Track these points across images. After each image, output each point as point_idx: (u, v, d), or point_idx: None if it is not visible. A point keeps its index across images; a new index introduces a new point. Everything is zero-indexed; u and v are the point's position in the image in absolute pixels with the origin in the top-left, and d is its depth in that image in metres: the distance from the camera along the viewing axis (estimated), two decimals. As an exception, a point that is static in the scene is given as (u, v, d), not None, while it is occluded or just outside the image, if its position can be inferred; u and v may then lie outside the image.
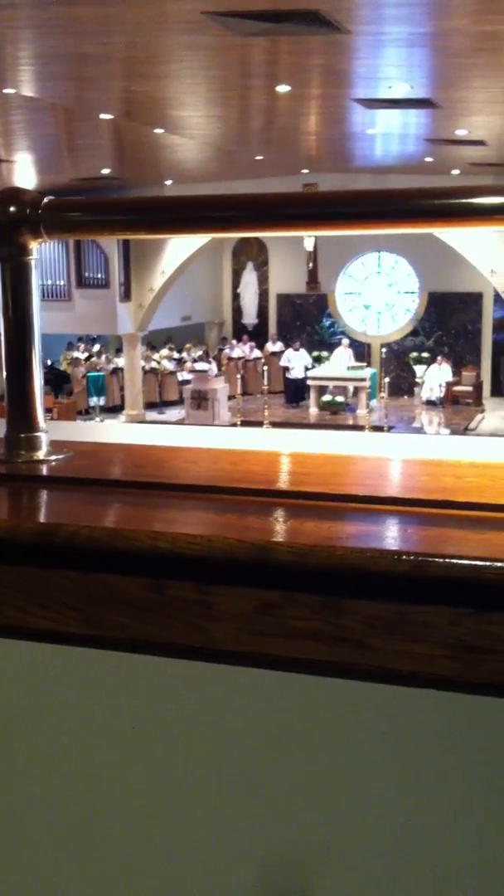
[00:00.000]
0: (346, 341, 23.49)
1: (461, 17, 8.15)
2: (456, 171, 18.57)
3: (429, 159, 17.37)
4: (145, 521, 1.16)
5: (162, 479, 1.32)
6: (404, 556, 1.01)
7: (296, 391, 22.72)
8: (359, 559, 1.02)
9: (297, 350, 23.17)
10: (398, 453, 1.56)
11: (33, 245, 1.38)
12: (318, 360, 23.64)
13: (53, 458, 1.42)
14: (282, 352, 24.68)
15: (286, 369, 22.99)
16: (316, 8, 7.77)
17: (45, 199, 1.37)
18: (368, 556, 1.02)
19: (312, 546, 1.04)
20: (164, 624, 1.10)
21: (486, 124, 13.66)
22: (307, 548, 1.04)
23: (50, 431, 1.45)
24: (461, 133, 14.19)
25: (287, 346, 24.45)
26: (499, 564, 0.98)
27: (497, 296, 21.92)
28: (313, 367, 23.02)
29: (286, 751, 1.11)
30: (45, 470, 1.39)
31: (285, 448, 1.54)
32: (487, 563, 0.98)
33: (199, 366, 22.68)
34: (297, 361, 22.98)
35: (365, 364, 23.07)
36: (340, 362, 22.75)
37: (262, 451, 1.50)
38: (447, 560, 0.99)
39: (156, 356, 24.04)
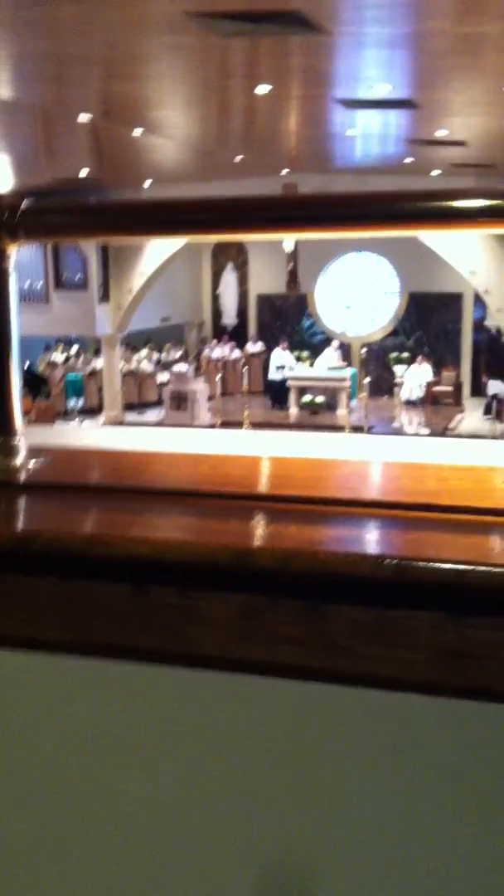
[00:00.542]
0: (335, 342, 23.45)
1: (442, 18, 8.17)
2: (437, 172, 18.62)
3: (410, 160, 17.41)
4: (125, 526, 1.15)
5: (141, 483, 1.31)
6: (386, 561, 1.00)
7: (283, 392, 22.69)
8: (341, 564, 1.01)
9: (284, 350, 23.18)
10: (380, 456, 1.55)
11: (12, 249, 1.37)
12: (298, 360, 23.66)
13: (31, 463, 1.41)
14: (263, 352, 24.67)
15: (279, 368, 22.88)
16: (296, 8, 7.77)
17: (24, 203, 1.36)
18: (350, 560, 1.01)
19: (294, 551, 1.04)
20: (146, 630, 1.09)
21: (466, 125, 13.71)
22: (289, 552, 1.03)
23: (27, 436, 1.44)
24: (442, 134, 14.24)
25: (268, 346, 24.44)
26: (481, 568, 0.97)
27: (477, 296, 22.00)
28: (293, 367, 23.05)
29: (270, 756, 1.10)
30: (22, 476, 1.38)
31: (267, 451, 1.53)
32: (470, 567, 0.98)
33: (177, 367, 22.63)
34: (286, 361, 22.98)
35: (345, 364, 23.11)
36: (329, 363, 22.73)
37: (242, 454, 1.49)
38: (429, 564, 0.99)
39: (135, 358, 23.98)
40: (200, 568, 1.06)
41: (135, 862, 1.17)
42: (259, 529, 1.14)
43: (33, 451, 1.44)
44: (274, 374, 22.94)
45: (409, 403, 22.54)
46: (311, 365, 23.45)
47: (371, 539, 1.09)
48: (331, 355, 22.80)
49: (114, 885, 1.19)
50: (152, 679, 1.12)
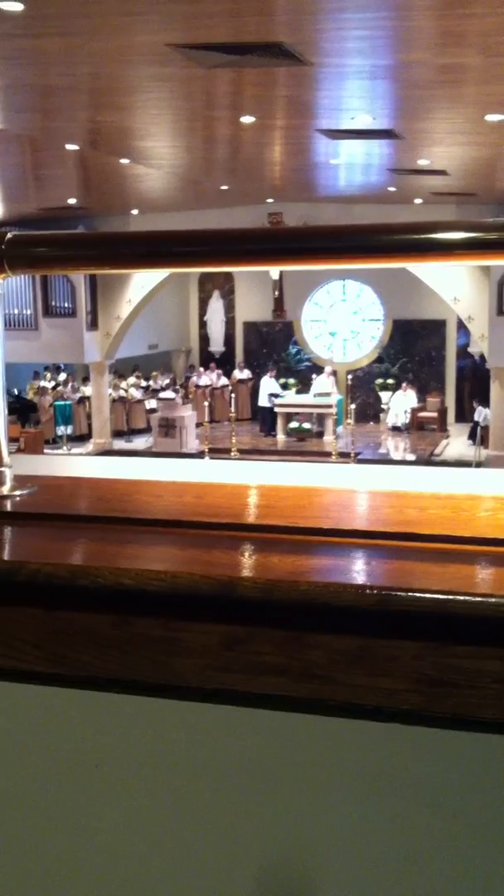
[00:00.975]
0: (328, 369, 23.45)
1: (422, 50, 8.29)
2: (419, 201, 18.81)
3: (392, 189, 17.58)
4: (110, 557, 1.15)
5: (126, 513, 1.32)
6: (368, 591, 1.01)
7: (273, 418, 22.72)
8: (323, 594, 1.02)
9: (271, 378, 23.25)
10: (362, 484, 1.56)
11: None
12: (284, 387, 23.72)
13: (17, 493, 1.41)
14: (250, 379, 24.72)
15: (271, 396, 22.91)
16: (279, 40, 7.87)
17: (9, 235, 1.37)
18: (332, 590, 1.02)
19: (277, 581, 1.04)
20: (129, 661, 1.10)
21: (447, 154, 13.86)
22: (271, 583, 1.04)
23: (14, 466, 1.45)
24: (423, 163, 14.39)
25: (255, 373, 24.50)
26: (462, 598, 0.98)
27: (460, 323, 22.16)
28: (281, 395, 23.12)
29: (253, 787, 1.10)
30: (8, 506, 1.38)
31: (251, 480, 1.54)
32: (451, 597, 0.98)
33: (165, 394, 22.65)
34: (277, 389, 23.04)
35: (331, 391, 23.19)
36: (323, 389, 22.73)
37: (226, 483, 1.50)
38: (411, 594, 1.00)
39: (123, 384, 24.01)
40: (184, 598, 1.06)
41: (119, 890, 1.17)
42: (242, 559, 1.14)
43: (20, 481, 1.45)
44: (264, 402, 22.98)
45: (395, 429, 22.61)
46: (298, 392, 23.50)
47: (353, 569, 1.09)
48: (324, 382, 22.83)
49: None
50: (134, 709, 1.12)
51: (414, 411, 22.91)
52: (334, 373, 23.56)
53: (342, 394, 23.01)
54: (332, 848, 1.08)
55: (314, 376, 23.24)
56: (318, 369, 24.36)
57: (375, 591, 1.01)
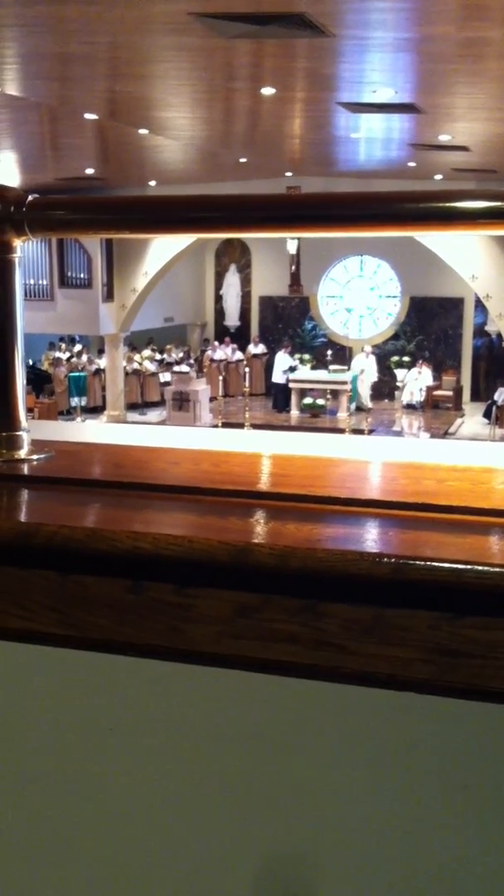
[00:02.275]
0: (367, 348, 23.09)
1: (445, 23, 8.18)
2: (439, 177, 18.64)
3: (412, 164, 17.43)
4: (125, 521, 1.16)
5: (142, 479, 1.32)
6: (384, 560, 1.01)
7: (287, 395, 22.67)
8: (339, 561, 1.02)
9: (286, 353, 23.17)
10: (379, 456, 1.56)
11: (16, 243, 1.37)
12: (301, 362, 23.66)
13: (34, 457, 1.42)
14: (265, 354, 24.66)
15: (284, 372, 22.83)
16: (301, 11, 7.78)
17: (30, 197, 1.36)
18: (349, 558, 1.02)
19: (292, 548, 1.04)
20: (143, 625, 1.10)
21: (469, 130, 13.72)
22: (287, 550, 1.04)
23: (31, 431, 1.45)
24: (444, 138, 14.25)
25: (270, 348, 24.44)
26: (479, 568, 0.98)
27: (478, 301, 22.02)
28: (294, 369, 23.08)
29: (265, 753, 1.11)
30: (25, 469, 1.38)
31: (267, 449, 1.54)
32: (467, 567, 0.98)
33: (179, 368, 22.65)
34: (289, 364, 22.97)
35: (346, 367, 23.14)
36: (365, 371, 22.53)
37: (243, 452, 1.50)
38: (427, 563, 1.00)
39: (137, 357, 24.01)
40: (199, 564, 1.06)
41: (131, 856, 1.18)
42: (258, 527, 1.14)
43: (37, 445, 1.45)
44: (278, 378, 22.92)
45: (410, 407, 22.54)
46: (312, 368, 23.44)
47: (369, 538, 1.09)
48: (363, 361, 22.59)
49: (109, 879, 1.19)
50: (148, 674, 1.13)
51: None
52: (373, 353, 23.34)
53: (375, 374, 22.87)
54: (342, 816, 1.09)
55: (355, 357, 22.92)
56: (333, 345, 24.29)
57: (391, 560, 1.00)
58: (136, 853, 1.18)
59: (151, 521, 1.17)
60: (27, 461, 1.41)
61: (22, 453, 1.41)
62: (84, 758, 1.18)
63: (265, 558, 1.04)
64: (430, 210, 1.23)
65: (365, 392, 22.27)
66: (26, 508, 1.28)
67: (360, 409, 21.33)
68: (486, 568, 0.98)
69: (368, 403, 21.95)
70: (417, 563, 1.00)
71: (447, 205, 1.21)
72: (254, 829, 1.13)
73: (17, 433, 1.42)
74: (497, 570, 0.98)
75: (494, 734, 1.03)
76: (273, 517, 1.17)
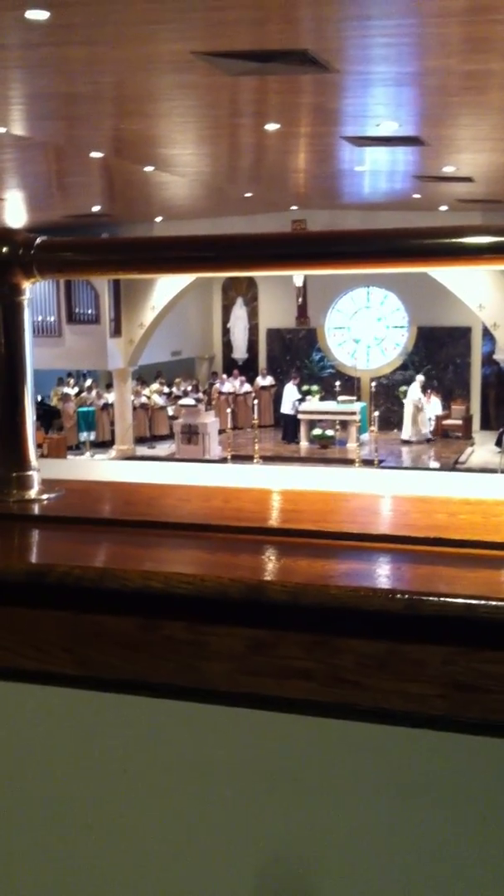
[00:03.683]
0: (420, 378, 22.96)
1: (447, 56, 8.28)
2: (444, 208, 18.76)
3: (417, 196, 17.55)
4: (137, 560, 1.15)
5: (153, 517, 1.32)
6: (398, 595, 1.00)
7: (297, 426, 22.69)
8: (352, 598, 1.02)
9: (295, 385, 23.23)
10: (389, 490, 1.56)
11: (26, 285, 1.38)
12: (308, 393, 23.71)
13: (45, 497, 1.42)
14: (273, 386, 24.72)
15: (295, 402, 22.85)
16: (304, 48, 7.88)
17: (38, 240, 1.38)
18: (362, 594, 1.01)
19: (305, 585, 1.04)
20: (156, 664, 1.10)
21: (473, 161, 13.83)
22: (300, 587, 1.04)
23: (41, 469, 1.45)
24: (449, 170, 14.36)
25: (278, 380, 24.51)
26: (493, 603, 0.97)
27: (486, 330, 22.07)
28: (302, 400, 23.12)
29: (280, 792, 1.10)
30: (36, 509, 1.38)
31: (277, 485, 1.54)
32: (481, 602, 0.98)
33: (187, 400, 22.71)
34: (297, 396, 23.02)
35: (354, 398, 23.16)
36: (417, 401, 22.51)
37: (253, 488, 1.50)
38: (441, 598, 0.99)
39: (146, 391, 24.09)
40: (212, 602, 1.06)
41: (146, 894, 1.17)
42: (270, 563, 1.14)
43: (47, 485, 1.45)
44: (287, 409, 22.95)
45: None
46: (321, 399, 23.47)
47: (382, 573, 1.09)
48: (416, 390, 22.58)
49: None
50: (162, 714, 1.12)
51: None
52: (346, 382, 23.29)
53: (365, 401, 22.91)
54: (359, 855, 1.08)
55: (430, 392, 22.76)
56: (341, 376, 24.33)
57: (405, 596, 1.00)
58: (150, 891, 1.16)
59: (163, 560, 1.17)
60: (38, 501, 1.41)
61: (32, 493, 1.42)
62: (98, 798, 1.18)
63: (278, 595, 1.04)
64: (436, 246, 1.24)
65: (424, 419, 22.27)
66: (38, 548, 1.28)
67: (407, 442, 21.44)
68: (500, 602, 0.97)
69: (427, 432, 21.96)
70: (431, 598, 1.00)
71: (453, 241, 1.22)
72: (270, 869, 1.12)
73: (28, 473, 1.42)
74: None
75: None
76: (285, 553, 1.16)
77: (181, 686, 1.09)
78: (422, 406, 22.37)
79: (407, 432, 22.34)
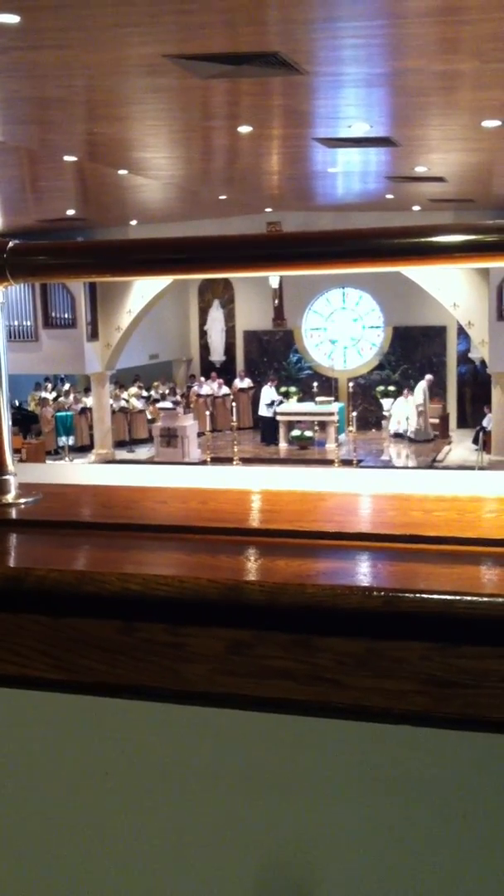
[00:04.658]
0: (429, 377, 22.83)
1: (417, 57, 8.32)
2: (417, 208, 18.85)
3: (390, 196, 17.62)
4: (115, 563, 1.16)
5: (131, 519, 1.32)
6: (375, 593, 1.01)
7: (274, 428, 22.71)
8: (329, 596, 1.02)
9: (272, 387, 23.26)
10: (366, 488, 1.57)
11: None
12: (286, 395, 23.74)
13: (22, 501, 1.42)
14: (251, 388, 24.73)
15: (269, 405, 22.87)
16: (275, 50, 7.90)
17: (11, 243, 1.37)
18: (339, 593, 1.02)
19: (283, 584, 1.04)
20: (136, 667, 1.10)
21: (444, 161, 13.89)
22: (278, 586, 1.04)
23: (18, 474, 1.45)
24: (421, 170, 14.42)
25: (256, 382, 24.53)
26: (469, 598, 0.98)
27: (460, 329, 22.18)
28: (280, 402, 23.16)
29: (261, 791, 1.10)
30: (13, 513, 1.38)
31: (255, 485, 1.54)
32: (458, 598, 0.99)
33: (166, 404, 22.68)
34: (274, 398, 23.05)
35: (332, 399, 23.21)
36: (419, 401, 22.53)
37: (231, 489, 1.50)
38: (418, 595, 1.00)
39: (124, 395, 24.04)
40: (190, 603, 1.06)
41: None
42: (248, 564, 1.14)
43: (24, 489, 1.45)
44: (265, 411, 22.97)
45: (397, 436, 22.61)
46: (299, 400, 23.51)
47: (359, 571, 1.09)
48: (419, 394, 22.52)
49: None
50: (142, 716, 1.13)
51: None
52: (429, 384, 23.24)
53: (343, 401, 22.96)
54: (340, 852, 1.08)
55: (407, 391, 22.77)
56: (319, 377, 24.38)
57: (382, 593, 1.01)
58: (134, 893, 1.16)
59: (141, 562, 1.17)
60: (15, 505, 1.41)
61: (9, 497, 1.41)
62: (79, 802, 1.17)
63: (256, 595, 1.04)
64: (408, 245, 1.24)
65: (425, 421, 22.33)
66: (15, 553, 1.28)
67: (414, 440, 21.47)
68: (476, 598, 0.98)
69: (430, 432, 22.01)
70: (408, 595, 1.00)
71: (424, 240, 1.23)
72: (251, 868, 1.12)
73: (4, 477, 1.42)
74: (487, 599, 0.98)
75: (490, 764, 1.03)
76: (263, 554, 1.17)
77: (161, 688, 1.10)
78: (423, 408, 22.49)
79: (411, 431, 22.42)
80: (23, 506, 1.41)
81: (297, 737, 1.08)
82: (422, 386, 22.58)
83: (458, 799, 1.04)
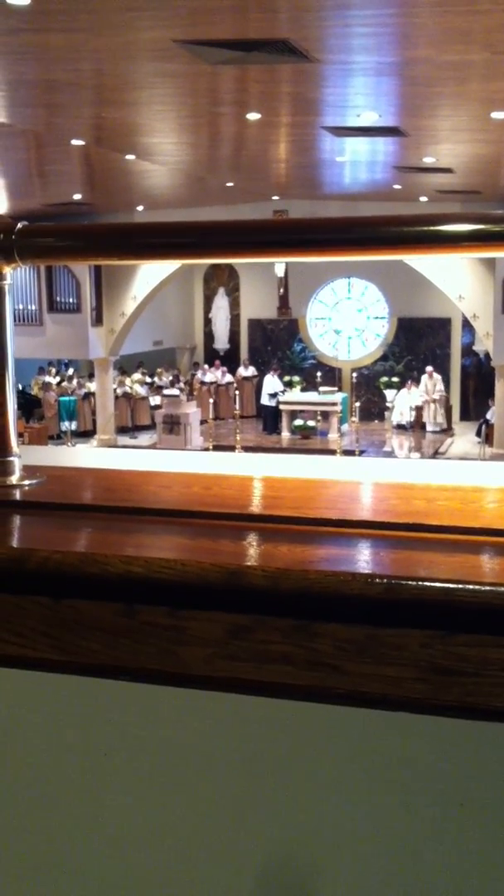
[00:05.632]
0: (429, 368, 22.91)
1: (427, 47, 8.28)
2: (424, 199, 18.78)
3: (397, 186, 17.57)
4: (118, 545, 1.16)
5: (134, 503, 1.33)
6: (376, 580, 1.01)
7: (275, 417, 22.72)
8: (331, 583, 1.02)
9: (274, 376, 23.26)
10: (369, 477, 1.57)
11: (6, 270, 1.38)
12: (289, 384, 23.73)
13: (26, 482, 1.42)
14: (255, 376, 24.72)
15: (273, 395, 22.90)
16: (285, 37, 7.87)
17: (19, 225, 1.37)
18: (341, 579, 1.02)
19: (285, 570, 1.05)
20: (136, 649, 1.10)
21: (452, 152, 13.85)
22: (280, 571, 1.04)
23: (22, 456, 1.45)
24: (429, 161, 14.38)
25: (260, 370, 24.52)
26: (469, 587, 0.99)
27: (465, 321, 22.13)
28: (283, 392, 23.16)
29: (259, 776, 1.11)
30: (17, 495, 1.39)
31: (258, 472, 1.55)
32: (458, 586, 0.99)
33: (170, 391, 22.69)
34: (276, 387, 23.05)
35: (336, 389, 23.19)
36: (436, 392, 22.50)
37: (234, 475, 1.50)
38: (419, 583, 1.00)
39: (128, 381, 24.03)
40: (192, 587, 1.07)
41: (128, 880, 1.17)
42: (250, 549, 1.15)
43: (28, 471, 1.45)
44: (267, 400, 22.98)
45: (400, 427, 22.60)
46: (303, 389, 23.49)
47: (361, 558, 1.10)
48: (429, 385, 22.50)
49: None
50: (142, 698, 1.13)
51: (418, 409, 22.90)
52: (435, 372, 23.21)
53: (346, 392, 22.94)
54: (338, 837, 1.09)
55: (411, 382, 22.81)
56: (323, 367, 24.37)
57: (383, 581, 1.01)
58: (132, 878, 1.17)
59: (143, 545, 1.17)
60: (19, 486, 1.41)
61: (13, 479, 1.42)
62: (79, 783, 1.18)
63: (258, 580, 1.05)
64: (416, 234, 1.24)
65: (439, 412, 22.33)
66: (18, 534, 1.28)
67: (440, 431, 21.45)
68: (477, 586, 0.99)
69: (444, 423, 21.98)
70: (409, 582, 1.01)
71: (432, 228, 1.23)
72: (250, 852, 1.13)
73: (9, 458, 1.42)
74: (488, 588, 0.99)
75: (488, 751, 1.03)
76: (265, 539, 1.17)
77: (161, 671, 1.10)
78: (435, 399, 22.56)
79: (430, 423, 22.42)
80: (27, 487, 1.41)
81: (296, 722, 1.08)
82: (439, 378, 22.63)
83: (456, 787, 1.04)
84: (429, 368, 22.81)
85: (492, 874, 1.04)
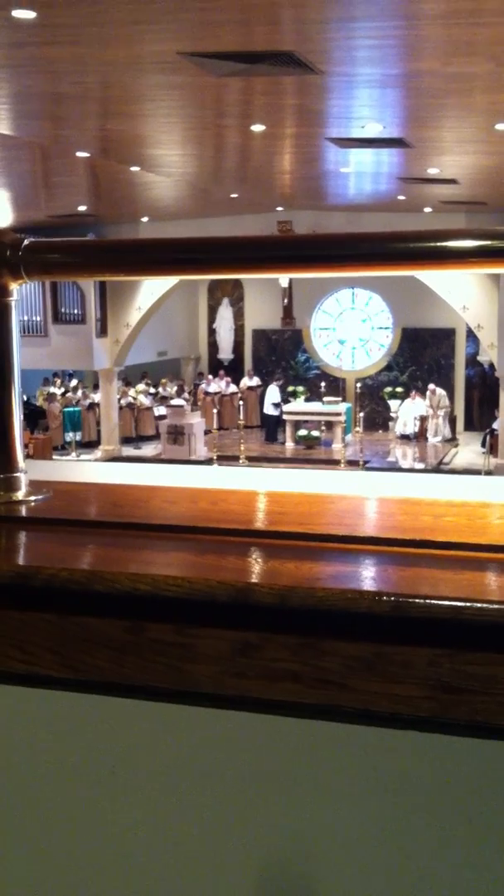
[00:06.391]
0: (431, 386, 22.93)
1: (432, 59, 8.30)
2: (428, 209, 18.81)
3: (401, 197, 17.58)
4: (125, 562, 1.16)
5: (141, 519, 1.32)
6: (384, 597, 1.01)
7: (276, 427, 22.71)
8: (339, 600, 1.02)
9: (277, 386, 23.25)
10: (375, 492, 1.56)
11: (13, 286, 1.38)
12: (293, 394, 23.73)
13: (32, 498, 1.42)
14: (259, 386, 24.72)
15: (276, 405, 22.90)
16: (290, 49, 7.89)
17: (26, 241, 1.38)
18: (348, 597, 1.02)
19: (292, 587, 1.04)
20: (143, 667, 1.10)
21: (457, 163, 13.86)
22: (287, 589, 1.04)
23: (28, 471, 1.45)
24: (433, 172, 14.39)
25: (264, 380, 24.53)
26: (478, 605, 0.98)
27: (469, 331, 22.12)
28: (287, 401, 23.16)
29: (267, 794, 1.10)
30: (23, 511, 1.38)
31: (264, 486, 1.54)
32: (466, 604, 0.98)
33: (174, 401, 22.70)
34: (278, 397, 23.06)
35: (340, 399, 23.19)
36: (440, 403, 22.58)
37: (240, 490, 1.50)
38: (427, 601, 1.00)
39: (132, 391, 24.05)
40: (199, 604, 1.07)
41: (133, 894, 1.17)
42: (257, 566, 1.14)
43: (35, 486, 1.45)
44: (270, 410, 22.97)
45: (404, 437, 22.57)
46: (307, 399, 23.48)
47: (368, 575, 1.09)
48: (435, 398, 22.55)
49: None
50: (149, 715, 1.13)
51: (423, 419, 22.88)
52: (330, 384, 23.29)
53: (350, 402, 22.94)
54: (347, 854, 1.08)
55: (415, 393, 22.75)
56: (327, 377, 24.37)
57: (391, 598, 1.01)
58: (137, 892, 1.17)
59: (150, 562, 1.17)
60: (25, 503, 1.41)
61: (20, 495, 1.42)
62: (86, 800, 1.18)
63: (265, 597, 1.04)
64: (423, 250, 1.24)
65: (443, 426, 22.34)
66: (25, 550, 1.28)
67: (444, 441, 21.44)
68: (485, 604, 0.98)
69: (449, 434, 21.99)
70: (417, 600, 1.00)
71: (439, 244, 1.23)
72: (256, 869, 1.12)
73: (15, 474, 1.42)
74: (496, 606, 0.98)
75: (497, 770, 1.03)
76: (272, 556, 1.17)
77: (168, 688, 1.10)
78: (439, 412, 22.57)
79: (439, 436, 22.41)
80: (33, 503, 1.41)
81: (303, 740, 1.08)
82: (442, 391, 22.65)
83: (464, 805, 1.04)
84: (431, 386, 22.79)
85: (500, 892, 1.04)
